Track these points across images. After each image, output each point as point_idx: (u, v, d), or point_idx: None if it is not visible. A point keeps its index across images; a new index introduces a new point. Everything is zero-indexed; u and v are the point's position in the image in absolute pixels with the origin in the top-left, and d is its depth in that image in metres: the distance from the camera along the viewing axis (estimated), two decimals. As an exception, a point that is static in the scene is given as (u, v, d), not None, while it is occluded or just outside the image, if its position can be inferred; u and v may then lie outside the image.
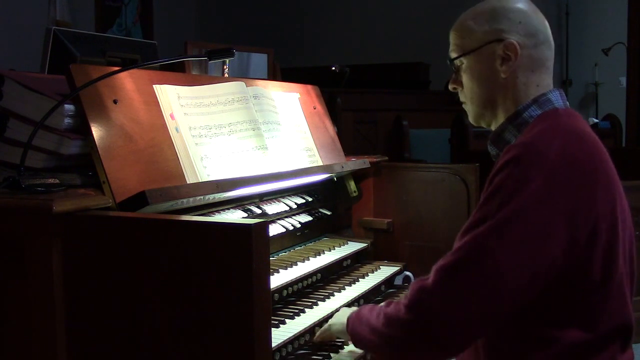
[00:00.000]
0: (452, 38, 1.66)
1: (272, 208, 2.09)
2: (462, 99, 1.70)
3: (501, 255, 1.36)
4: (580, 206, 1.40)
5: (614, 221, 1.46)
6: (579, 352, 1.45)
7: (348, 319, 1.69)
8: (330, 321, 1.80)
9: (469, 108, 1.69)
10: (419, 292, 1.45)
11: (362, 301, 2.14)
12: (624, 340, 1.51)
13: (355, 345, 1.69)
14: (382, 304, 1.60)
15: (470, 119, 1.71)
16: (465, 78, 1.65)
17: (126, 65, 1.97)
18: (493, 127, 1.67)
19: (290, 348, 1.73)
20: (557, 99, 1.59)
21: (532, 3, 1.64)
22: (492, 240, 1.37)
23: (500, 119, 1.64)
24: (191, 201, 1.70)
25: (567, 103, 1.61)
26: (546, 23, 1.63)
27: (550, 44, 1.62)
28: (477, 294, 1.38)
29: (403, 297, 1.50)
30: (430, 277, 1.45)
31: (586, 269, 1.42)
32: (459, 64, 1.65)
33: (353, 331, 1.65)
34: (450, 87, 1.70)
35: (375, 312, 1.58)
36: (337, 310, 1.94)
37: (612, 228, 1.45)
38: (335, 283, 2.17)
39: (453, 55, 1.66)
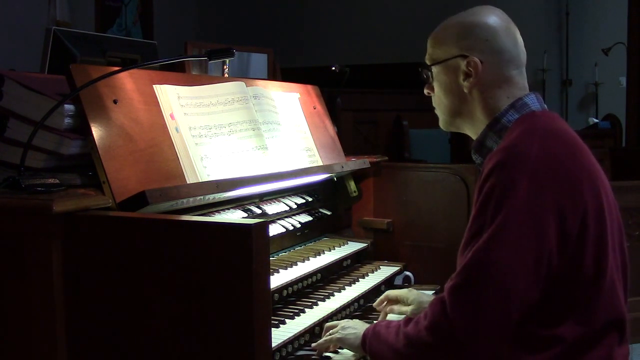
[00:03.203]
0: (428, 45, 1.70)
1: (272, 208, 2.09)
2: (433, 104, 1.75)
3: (504, 261, 1.40)
4: (567, 201, 1.44)
5: (601, 214, 1.49)
6: (575, 348, 1.46)
7: (364, 336, 1.65)
8: (341, 333, 1.72)
9: (439, 114, 1.75)
10: (439, 315, 1.45)
11: (362, 301, 2.14)
12: (620, 333, 1.52)
13: None
14: (400, 320, 1.59)
15: (440, 124, 1.76)
16: (435, 86, 1.71)
17: (126, 65, 1.98)
18: (467, 132, 1.72)
19: (290, 348, 1.72)
20: (534, 101, 1.62)
21: (506, 18, 1.64)
22: (493, 251, 1.41)
23: (471, 127, 1.68)
24: (191, 201, 1.70)
25: (545, 105, 1.64)
26: (518, 40, 1.64)
27: (519, 62, 1.64)
28: (492, 304, 1.40)
29: (422, 316, 1.51)
30: (445, 298, 1.46)
31: (579, 263, 1.45)
32: (429, 72, 1.70)
33: (371, 350, 1.63)
34: (425, 91, 1.74)
35: (394, 331, 1.57)
36: (337, 310, 1.95)
37: (600, 221, 1.48)
38: (335, 283, 2.17)
39: (426, 62, 1.70)
